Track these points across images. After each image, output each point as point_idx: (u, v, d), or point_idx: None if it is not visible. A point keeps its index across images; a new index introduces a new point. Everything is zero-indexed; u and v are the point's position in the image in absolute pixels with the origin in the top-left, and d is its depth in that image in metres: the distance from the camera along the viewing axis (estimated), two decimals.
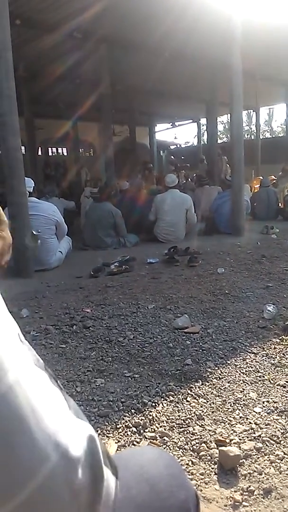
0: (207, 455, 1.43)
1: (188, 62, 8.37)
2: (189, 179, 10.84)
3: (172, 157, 15.85)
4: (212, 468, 1.37)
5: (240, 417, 1.63)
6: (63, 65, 7.90)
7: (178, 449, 1.48)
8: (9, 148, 3.97)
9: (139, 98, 11.11)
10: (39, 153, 13.21)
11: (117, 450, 1.51)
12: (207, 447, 1.47)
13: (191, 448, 1.48)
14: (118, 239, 5.48)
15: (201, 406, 1.73)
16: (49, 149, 14.68)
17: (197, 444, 1.48)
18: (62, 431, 0.34)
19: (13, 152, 3.97)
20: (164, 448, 1.49)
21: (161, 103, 12.45)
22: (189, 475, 1.34)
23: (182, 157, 16.40)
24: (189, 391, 1.85)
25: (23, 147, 9.85)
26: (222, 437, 1.50)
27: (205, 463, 1.40)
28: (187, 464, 1.40)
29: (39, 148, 13.07)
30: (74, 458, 0.34)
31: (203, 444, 1.48)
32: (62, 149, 15.00)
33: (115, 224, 5.41)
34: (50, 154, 14.67)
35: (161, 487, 0.59)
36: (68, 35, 6.61)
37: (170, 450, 1.48)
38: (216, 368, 2.05)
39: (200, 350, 2.25)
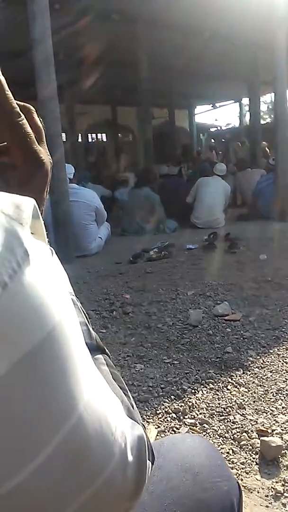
0: (248, 444, 1.41)
1: (228, 41, 8.07)
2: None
3: (213, 140, 15.51)
4: (253, 458, 1.35)
5: (283, 407, 1.60)
6: (102, 49, 7.84)
7: (218, 437, 1.47)
8: (50, 135, 4.00)
9: (179, 80, 10.88)
10: (79, 139, 13.31)
11: (157, 435, 1.52)
12: (248, 436, 1.45)
13: (232, 436, 1.46)
14: (157, 225, 5.46)
15: (242, 395, 1.71)
16: (89, 135, 14.77)
17: (238, 433, 1.47)
18: (118, 437, 0.34)
19: (54, 139, 4.02)
20: (204, 436, 1.48)
21: (201, 84, 12.13)
22: (229, 464, 1.33)
23: (223, 140, 16.01)
24: (229, 380, 1.83)
25: (63, 134, 10.00)
26: (264, 427, 1.48)
27: (246, 453, 1.38)
28: (228, 452, 1.39)
29: (79, 134, 13.17)
30: (127, 463, 0.35)
31: (244, 434, 1.46)
32: (101, 135, 15.06)
33: (153, 209, 5.39)
34: (90, 140, 14.76)
35: (203, 478, 0.58)
36: (106, 18, 6.54)
37: (210, 437, 1.47)
38: (258, 357, 2.01)
39: (241, 338, 2.22)
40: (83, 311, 0.47)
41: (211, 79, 11.25)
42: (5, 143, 0.44)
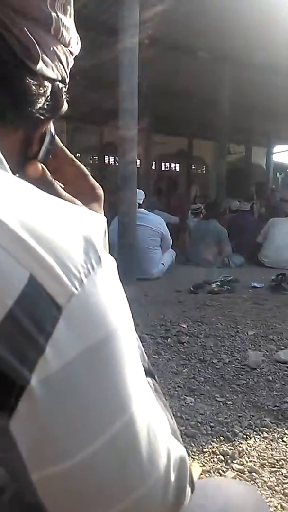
0: None
1: None
2: None
3: None
4: None
5: None
6: (185, 83, 8.09)
7: (267, 489, 1.37)
8: (126, 160, 4.17)
9: (259, 119, 10.88)
10: (153, 167, 13.65)
11: (201, 474, 1.45)
12: None
13: (282, 491, 1.35)
14: (223, 258, 5.38)
15: None
16: (163, 163, 15.12)
17: None
18: (164, 451, 0.36)
19: (129, 165, 4.17)
20: (252, 485, 1.38)
21: (282, 124, 12.03)
22: None
23: None
24: (286, 431, 1.71)
25: (138, 161, 10.31)
26: None
27: None
28: (276, 507, 1.29)
29: (153, 162, 13.53)
30: (169, 479, 0.36)
31: None
32: (175, 165, 15.35)
33: (219, 243, 5.33)
34: (163, 168, 15.08)
35: None
36: (193, 55, 6.75)
37: (259, 488, 1.37)
38: None
39: None
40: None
41: None
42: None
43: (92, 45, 6.99)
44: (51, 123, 0.51)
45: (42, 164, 0.50)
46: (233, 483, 0.95)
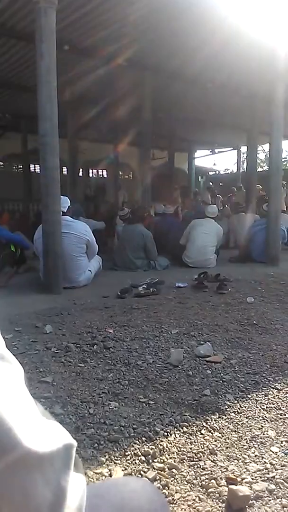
0: (216, 492, 1.35)
1: (230, 92, 8.46)
2: (226, 206, 10.81)
3: (211, 183, 15.88)
4: (220, 507, 1.29)
5: (255, 456, 1.54)
6: (108, 91, 8.18)
7: (186, 483, 1.41)
8: (47, 167, 4.10)
9: (180, 125, 11.29)
10: (80, 174, 13.58)
11: None
12: (217, 484, 1.39)
13: (200, 483, 1.40)
14: (149, 261, 5.48)
15: (215, 440, 1.65)
16: (90, 170, 15.10)
17: (206, 480, 1.41)
18: (25, 427, 0.37)
19: (50, 172, 4.10)
20: (172, 481, 1.42)
21: (201, 131, 12.57)
22: (194, 511, 1.27)
23: (221, 184, 16.38)
24: (204, 424, 1.77)
25: (65, 168, 10.23)
26: (234, 475, 1.42)
27: (212, 501, 1.32)
28: (194, 499, 1.33)
29: (81, 169, 13.46)
30: (43, 454, 0.37)
31: (212, 481, 1.40)
32: (102, 171, 15.40)
33: (145, 246, 5.43)
34: (90, 175, 15.07)
35: None
36: (115, 63, 6.85)
37: (178, 483, 1.41)
38: (236, 401, 1.97)
39: (221, 381, 2.17)
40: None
41: (211, 126, 11.67)
42: None
43: (11, 52, 6.83)
44: None
45: None
46: (129, 480, 0.95)
